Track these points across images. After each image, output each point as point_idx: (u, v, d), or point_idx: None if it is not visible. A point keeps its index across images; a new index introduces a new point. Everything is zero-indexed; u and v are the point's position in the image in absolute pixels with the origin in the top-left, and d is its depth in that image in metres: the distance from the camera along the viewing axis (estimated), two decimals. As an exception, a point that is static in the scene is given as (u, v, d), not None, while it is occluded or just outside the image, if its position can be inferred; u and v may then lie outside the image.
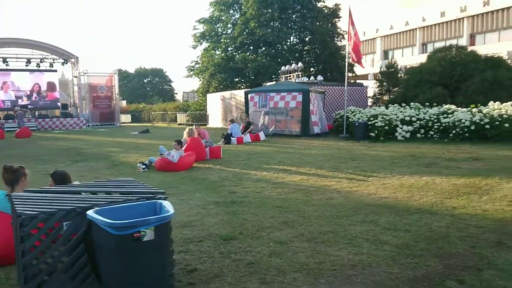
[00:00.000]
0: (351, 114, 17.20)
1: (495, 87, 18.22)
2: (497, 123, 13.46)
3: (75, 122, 29.25)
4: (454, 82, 19.37)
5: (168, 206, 2.68)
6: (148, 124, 34.29)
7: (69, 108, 31.55)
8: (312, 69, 30.42)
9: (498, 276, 3.44)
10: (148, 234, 2.40)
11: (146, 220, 2.41)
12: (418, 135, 15.15)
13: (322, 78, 22.42)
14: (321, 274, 3.54)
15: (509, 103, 14.81)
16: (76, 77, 30.74)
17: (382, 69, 28.05)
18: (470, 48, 39.71)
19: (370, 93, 30.35)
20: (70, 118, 29.48)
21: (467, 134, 13.87)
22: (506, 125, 13.30)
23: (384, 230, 4.65)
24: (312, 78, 23.59)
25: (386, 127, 15.23)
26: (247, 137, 15.50)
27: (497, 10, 45.34)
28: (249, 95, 18.43)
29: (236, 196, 6.56)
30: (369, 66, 55.05)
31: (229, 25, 33.09)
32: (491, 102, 15.18)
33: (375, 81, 29.16)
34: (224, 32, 33.36)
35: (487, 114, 13.91)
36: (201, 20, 33.81)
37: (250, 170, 9.13)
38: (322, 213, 5.42)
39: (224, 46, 31.89)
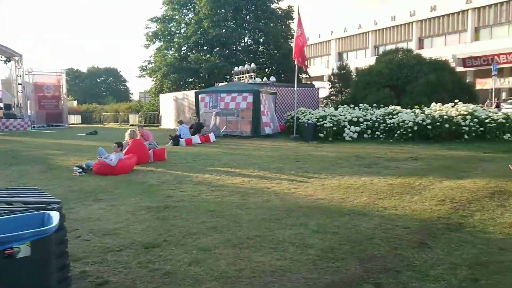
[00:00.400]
0: (301, 115, 17.33)
1: (438, 89, 19.00)
2: (438, 123, 13.96)
3: (19, 123, 27.75)
4: (401, 84, 20.01)
5: (54, 218, 2.44)
6: (99, 125, 33.11)
7: (13, 108, 29.89)
8: (266, 70, 30.48)
9: (415, 277, 3.44)
10: (23, 250, 2.16)
11: (19, 234, 2.16)
12: (365, 135, 15.48)
13: (274, 79, 22.50)
14: (239, 282, 3.41)
15: (449, 104, 15.43)
16: (20, 76, 29.17)
17: (334, 71, 28.59)
18: (418, 52, 41.31)
19: (324, 94, 30.90)
20: (14, 119, 27.94)
21: (410, 135, 14.30)
22: (446, 125, 13.82)
23: (312, 233, 4.59)
24: (265, 79, 23.63)
25: (335, 128, 15.44)
26: (196, 139, 15.23)
27: (443, 16, 47.48)
28: (199, 96, 18.15)
29: (171, 201, 6.33)
30: (325, 68, 56.16)
31: (183, 25, 32.57)
32: (433, 104, 15.76)
33: (328, 82, 29.67)
34: (177, 32, 32.79)
35: (429, 115, 14.40)
36: (154, 19, 33.07)
37: (193, 173, 8.91)
38: (255, 217, 5.30)
39: (177, 45, 31.35)
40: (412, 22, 50.55)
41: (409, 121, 14.37)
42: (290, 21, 31.00)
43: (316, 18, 59.63)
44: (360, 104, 18.23)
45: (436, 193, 6.37)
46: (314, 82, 59.76)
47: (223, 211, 5.64)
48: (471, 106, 14.83)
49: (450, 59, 42.98)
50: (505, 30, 42.70)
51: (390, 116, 15.43)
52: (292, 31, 31.15)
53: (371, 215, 5.26)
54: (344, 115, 15.98)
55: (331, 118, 15.65)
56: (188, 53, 31.20)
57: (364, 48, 56.89)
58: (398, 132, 14.66)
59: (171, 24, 32.89)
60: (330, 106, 24.03)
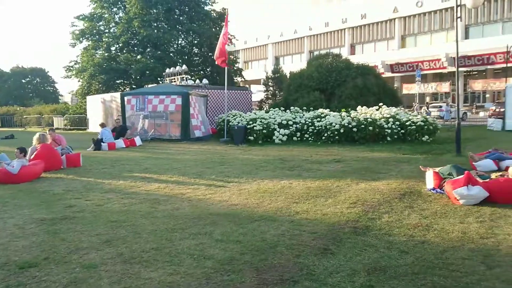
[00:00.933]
0: (232, 118, 17.10)
1: (364, 92, 19.68)
2: (363, 126, 14.35)
3: None
4: (330, 87, 20.48)
5: None
6: (20, 129, 30.72)
7: None
8: (201, 72, 29.99)
9: (312, 287, 3.25)
10: None
11: None
12: (295, 138, 15.56)
13: (207, 82, 22.11)
14: (116, 305, 3.01)
15: (374, 107, 15.95)
16: None
17: (268, 75, 28.76)
18: (350, 57, 42.87)
19: (260, 97, 31.00)
20: None
21: (337, 137, 14.57)
22: (370, 128, 14.23)
23: (215, 243, 4.29)
24: (197, 81, 23.17)
25: (264, 131, 15.37)
26: (120, 143, 14.44)
27: (373, 23, 49.77)
28: (125, 98, 17.31)
29: (71, 211, 5.74)
30: (262, 71, 56.72)
31: (112, 24, 31.16)
32: (359, 107, 16.23)
33: (263, 86, 29.80)
34: (106, 31, 31.31)
35: (354, 118, 14.77)
36: (81, 17, 31.32)
37: (106, 179, 8.29)
38: (158, 227, 4.91)
39: (106, 45, 29.91)
40: (344, 29, 52.54)
41: (336, 124, 14.64)
42: (224, 23, 30.74)
43: (253, 22, 59.99)
44: (291, 107, 18.38)
45: (350, 195, 6.36)
46: (252, 86, 60.19)
47: (125, 221, 5.19)
48: (393, 110, 15.43)
49: (380, 64, 45.28)
50: (428, 39, 45.59)
51: (319, 119, 15.65)
52: (228, 34, 30.94)
53: (282, 221, 5.07)
54: (274, 118, 15.97)
55: (261, 121, 15.56)
56: (118, 53, 29.87)
57: (299, 53, 58.22)
58: (325, 134, 14.88)
59: (100, 23, 31.34)
60: (266, 109, 24.07)
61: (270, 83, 28.49)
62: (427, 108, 32.57)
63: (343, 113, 15.33)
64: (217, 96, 20.52)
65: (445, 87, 44.24)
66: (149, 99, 16.78)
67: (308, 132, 15.56)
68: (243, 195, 6.55)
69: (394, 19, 47.17)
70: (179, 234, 4.62)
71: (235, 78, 31.33)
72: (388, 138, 14.31)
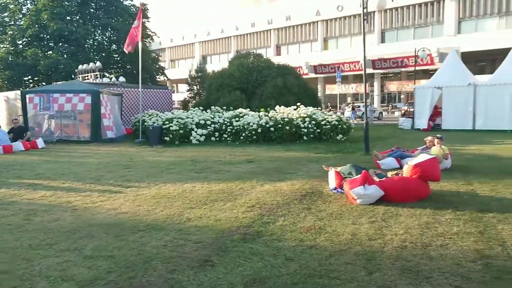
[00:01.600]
0: (148, 117, 16.28)
1: (285, 92, 19.82)
2: (280, 126, 14.34)
3: None
4: (251, 87, 20.38)
5: None
6: None
7: None
8: (120, 70, 28.52)
9: (178, 308, 2.87)
10: None
11: None
12: (213, 138, 15.17)
13: (124, 80, 21.00)
14: None
15: (292, 107, 16.05)
16: None
17: (191, 73, 28.11)
18: (276, 58, 43.34)
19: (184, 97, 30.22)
20: None
21: (255, 137, 14.42)
22: (287, 127, 14.26)
23: (83, 260, 3.76)
24: (114, 79, 21.94)
25: (181, 131, 14.79)
26: (18, 145, 13.07)
27: (297, 25, 50.92)
28: (27, 96, 15.75)
29: None
30: (189, 71, 55.71)
31: (19, 15, 28.58)
32: (277, 106, 16.25)
33: (186, 85, 29.08)
34: (11, 23, 28.64)
35: (272, 118, 14.73)
36: (-18, 7, 28.40)
37: (-15, 188, 7.28)
38: (22, 243, 4.25)
39: (10, 38, 27.33)
40: (270, 30, 53.20)
41: (254, 124, 14.49)
42: (145, 19, 29.50)
43: (179, 20, 58.82)
44: (212, 107, 17.99)
45: (251, 198, 6.10)
46: (180, 85, 58.81)
47: (-15, 238, 4.45)
48: (310, 109, 15.62)
49: (304, 65, 46.46)
50: (348, 41, 47.57)
51: (237, 118, 15.41)
52: (148, 30, 29.79)
53: (169, 230, 4.64)
54: (192, 118, 15.45)
55: (177, 121, 14.96)
56: (25, 48, 27.41)
57: (227, 52, 57.92)
58: (243, 134, 14.67)
59: (5, 14, 28.57)
60: (188, 108, 23.41)
61: (193, 83, 27.85)
62: (354, 107, 33.80)
63: (261, 113, 15.24)
64: (134, 95, 19.51)
65: (364, 88, 46.44)
66: (54, 97, 15.41)
67: (226, 132, 15.25)
68: (136, 202, 6.02)
69: (317, 21, 48.63)
70: (43, 251, 4.02)
71: (158, 77, 30.22)
72: (305, 138, 14.44)
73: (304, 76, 46.66)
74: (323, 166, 7.41)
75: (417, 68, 37.70)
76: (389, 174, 6.30)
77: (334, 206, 5.60)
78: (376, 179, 6.08)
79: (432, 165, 5.71)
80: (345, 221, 4.89)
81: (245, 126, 14.68)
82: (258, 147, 13.35)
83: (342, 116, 15.98)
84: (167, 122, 15.03)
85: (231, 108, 17.34)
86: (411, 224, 4.71)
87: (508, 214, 4.99)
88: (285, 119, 14.54)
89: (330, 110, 32.37)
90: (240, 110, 16.24)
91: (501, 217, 4.90)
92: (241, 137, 14.76)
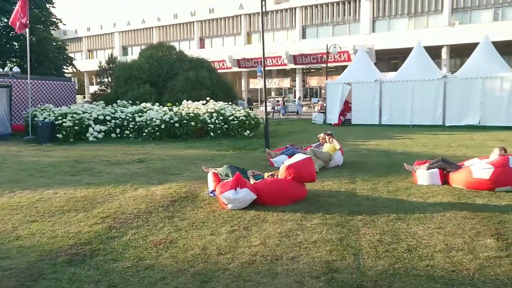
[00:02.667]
0: (39, 113, 14.72)
1: (197, 86, 19.13)
2: (185, 121, 13.65)
3: None
4: (162, 80, 19.43)
5: None
6: None
7: None
8: (19, 60, 25.79)
9: None
10: None
11: None
12: (113, 135, 14.11)
13: (18, 70, 18.92)
14: None
15: (201, 102, 15.43)
16: None
17: (102, 65, 26.33)
18: (200, 51, 42.32)
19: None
20: None
21: (158, 133, 13.60)
22: (192, 123, 13.62)
23: None
24: (7, 69, 19.76)
25: (76, 127, 13.54)
26: None
27: (220, 18, 50.23)
28: None
29: None
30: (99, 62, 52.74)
31: None
32: (184, 101, 15.54)
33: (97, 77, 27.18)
34: None
35: (177, 113, 13.99)
36: None
37: None
38: None
39: None
40: (193, 22, 51.95)
41: (157, 119, 13.66)
42: (49, 5, 27.01)
43: (97, 8, 55.45)
44: (118, 101, 16.82)
45: (111, 206, 5.39)
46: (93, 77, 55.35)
47: None
48: (219, 104, 15.11)
49: (227, 59, 45.97)
50: (271, 36, 47.81)
51: (141, 114, 14.46)
52: (54, 18, 27.32)
53: (-17, 253, 3.82)
54: (90, 113, 14.23)
55: (72, 117, 13.67)
56: None
57: (149, 44, 55.66)
58: (146, 130, 13.79)
59: None
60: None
61: (104, 75, 26.09)
62: (284, 102, 33.83)
63: (165, 108, 14.44)
64: (31, 87, 17.63)
65: (286, 82, 47.12)
66: None
67: (128, 128, 14.25)
68: (-31, 215, 5.06)
69: (240, 15, 48.31)
70: None
71: (65, 68, 27.88)
72: (212, 134, 13.91)
73: (228, 70, 46.65)
74: (203, 167, 6.89)
75: (336, 64, 38.93)
76: (265, 175, 5.93)
77: (202, 213, 5.08)
78: (252, 181, 5.68)
79: (306, 166, 5.42)
80: (204, 231, 4.39)
81: (148, 122, 13.80)
82: (159, 144, 12.57)
83: (250, 111, 15.66)
84: (60, 118, 13.67)
85: (137, 102, 16.32)
86: (273, 232, 4.33)
87: (376, 216, 4.81)
88: (191, 114, 13.88)
89: (252, 105, 32.28)
90: (144, 104, 15.30)
91: (368, 220, 4.70)
92: (144, 134, 13.86)
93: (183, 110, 14.25)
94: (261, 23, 11.22)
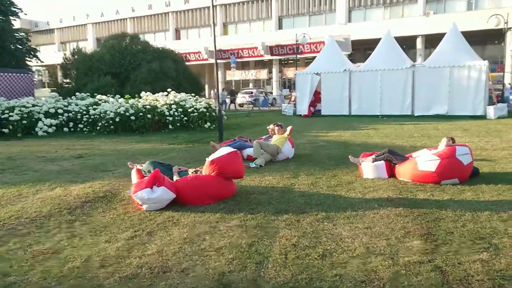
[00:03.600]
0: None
1: (161, 77, 18.42)
2: (141, 114, 13.00)
3: None
4: (124, 71, 18.67)
5: None
6: None
7: None
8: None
9: None
10: None
11: None
12: (66, 129, 13.37)
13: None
14: None
15: (160, 94, 14.78)
16: None
17: (66, 56, 25.31)
18: (175, 42, 41.27)
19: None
20: None
21: (112, 127, 12.92)
22: (149, 116, 12.98)
23: None
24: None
25: (25, 121, 12.76)
26: None
27: (196, 9, 49.22)
28: None
29: None
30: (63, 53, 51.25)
31: None
32: (143, 93, 14.88)
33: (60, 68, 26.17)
34: None
35: (133, 105, 13.32)
36: None
37: None
38: None
39: None
40: (168, 13, 50.79)
41: (111, 112, 12.97)
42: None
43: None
44: (77, 93, 16.04)
45: (10, 209, 4.77)
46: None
47: None
48: (179, 96, 14.49)
49: (203, 50, 45.09)
50: (247, 27, 47.12)
51: (95, 106, 13.74)
52: (15, 7, 26.03)
53: None
54: (41, 106, 13.44)
55: (20, 110, 12.88)
56: None
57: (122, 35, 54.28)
58: (100, 124, 13.09)
59: None
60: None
61: (69, 67, 25.06)
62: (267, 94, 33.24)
63: (120, 100, 13.75)
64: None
65: (263, 74, 46.53)
66: None
67: (82, 122, 13.52)
68: None
69: (216, 6, 47.31)
70: None
71: (28, 59, 26.71)
72: (170, 126, 13.30)
73: (204, 62, 45.81)
74: (129, 163, 6.31)
75: (313, 55, 38.42)
76: (190, 171, 5.38)
77: (111, 215, 4.52)
78: (175, 178, 5.13)
79: (231, 161, 4.90)
80: (100, 238, 3.84)
81: (102, 115, 13.10)
82: (111, 138, 11.91)
83: (211, 103, 15.06)
84: (6, 111, 12.85)
85: (95, 95, 15.56)
86: (178, 237, 3.80)
87: (303, 216, 4.33)
88: (147, 106, 13.23)
89: (235, 96, 31.46)
90: (99, 96, 14.57)
91: (293, 220, 4.22)
92: (98, 128, 13.16)
93: (140, 102, 13.58)
94: (213, 17, 10.57)
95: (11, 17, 25.42)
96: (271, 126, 8.21)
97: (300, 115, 19.47)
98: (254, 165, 7.01)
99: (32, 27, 59.50)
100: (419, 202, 4.76)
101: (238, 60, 42.45)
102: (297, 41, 26.85)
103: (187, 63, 42.04)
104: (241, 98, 31.18)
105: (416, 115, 16.84)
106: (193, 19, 49.66)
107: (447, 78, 16.17)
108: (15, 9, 25.53)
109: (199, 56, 44.99)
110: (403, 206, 4.60)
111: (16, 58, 24.39)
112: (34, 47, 27.45)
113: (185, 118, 13.61)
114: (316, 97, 20.00)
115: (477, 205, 4.57)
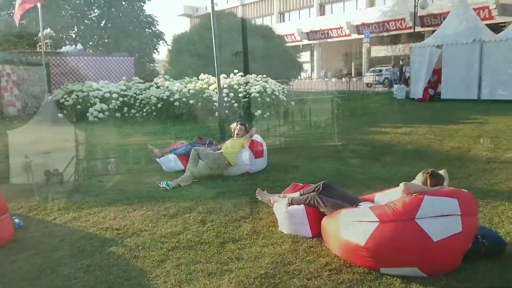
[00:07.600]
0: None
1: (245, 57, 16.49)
2: (184, 99, 11.40)
3: None
4: (210, 52, 17.32)
5: None
6: None
7: None
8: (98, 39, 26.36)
9: None
10: None
11: None
12: (118, 114, 12.60)
13: (81, 47, 19.05)
14: None
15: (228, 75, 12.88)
16: None
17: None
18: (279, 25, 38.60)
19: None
20: None
21: (155, 113, 11.72)
22: (191, 101, 11.28)
23: None
24: (73, 46, 20.20)
25: (79, 106, 12.46)
26: None
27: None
28: None
29: None
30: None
31: None
32: (202, 75, 13.20)
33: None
34: None
35: (179, 90, 11.82)
36: None
37: None
38: None
39: None
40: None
41: (154, 97, 11.75)
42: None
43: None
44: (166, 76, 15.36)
45: None
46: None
47: None
48: (236, 78, 12.44)
49: (345, 26, 41.38)
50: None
51: (147, 90, 12.72)
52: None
53: None
54: (101, 90, 13.00)
55: (76, 95, 12.64)
56: None
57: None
58: (145, 110, 12.03)
59: None
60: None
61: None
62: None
63: (178, 84, 12.46)
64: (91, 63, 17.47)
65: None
66: None
67: (134, 107, 12.65)
68: None
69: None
70: None
71: (157, 43, 27.84)
72: (216, 114, 11.34)
73: (347, 38, 41.87)
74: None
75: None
76: None
77: None
78: None
79: None
80: None
81: (146, 100, 12.00)
82: (142, 126, 10.63)
83: (268, 87, 12.37)
84: (66, 96, 12.76)
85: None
86: None
87: None
88: (191, 91, 11.56)
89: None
90: (156, 79, 13.48)
91: None
92: (144, 114, 12.12)
93: (193, 85, 11.99)
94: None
95: (137, 3, 26.63)
96: (233, 124, 5.54)
97: (414, 98, 15.25)
98: (165, 186, 4.61)
99: (193, 13, 63.59)
100: None
101: (385, 33, 38.41)
102: (416, 5, 21.63)
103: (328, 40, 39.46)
104: (368, 77, 27.07)
105: None
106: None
107: None
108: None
109: (294, 37, 42.62)
110: None
111: (138, 42, 25.59)
112: (161, 31, 28.36)
113: (236, 104, 11.49)
114: (439, 77, 15.37)
115: None
